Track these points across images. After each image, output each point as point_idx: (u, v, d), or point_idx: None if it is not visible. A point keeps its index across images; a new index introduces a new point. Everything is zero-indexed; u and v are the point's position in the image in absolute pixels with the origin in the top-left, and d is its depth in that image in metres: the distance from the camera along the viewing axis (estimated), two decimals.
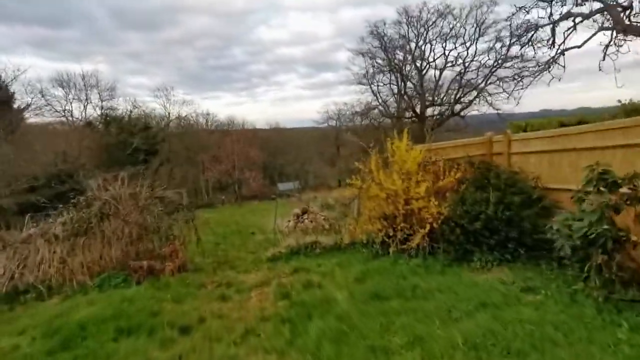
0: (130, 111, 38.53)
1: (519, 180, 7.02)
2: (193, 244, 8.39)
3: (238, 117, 54.50)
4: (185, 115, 42.74)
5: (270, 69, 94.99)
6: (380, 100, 38.24)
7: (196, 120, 46.33)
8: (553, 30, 20.26)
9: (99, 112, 37.75)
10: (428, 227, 6.94)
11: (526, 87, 25.84)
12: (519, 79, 27.95)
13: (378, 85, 37.10)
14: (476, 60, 31.36)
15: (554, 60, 22.42)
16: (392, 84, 36.22)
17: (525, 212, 6.59)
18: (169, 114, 41.77)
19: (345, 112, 48.05)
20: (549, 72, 22.51)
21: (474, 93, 32.01)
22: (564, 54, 20.39)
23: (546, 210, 6.61)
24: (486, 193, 6.98)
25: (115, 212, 7.11)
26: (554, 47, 20.76)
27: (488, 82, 31.02)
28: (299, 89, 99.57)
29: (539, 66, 27.64)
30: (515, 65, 29.79)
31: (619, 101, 17.92)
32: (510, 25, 29.06)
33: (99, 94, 36.88)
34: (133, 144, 33.89)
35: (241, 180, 35.19)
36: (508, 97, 29.93)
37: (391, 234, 7.44)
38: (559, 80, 22.77)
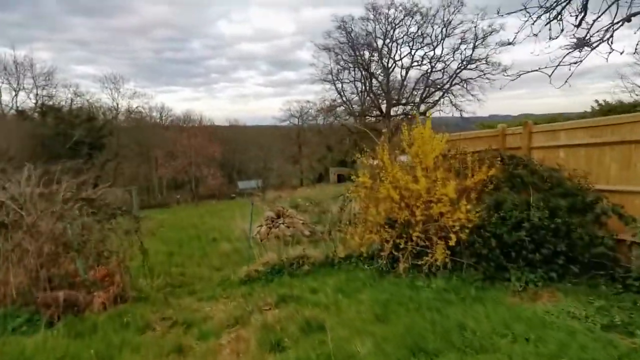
0: (72, 100, 34.16)
1: (562, 179, 5.55)
2: (138, 259, 6.18)
3: (195, 112, 51.01)
4: (137, 107, 38.80)
5: (230, 64, 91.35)
6: (344, 98, 36.94)
7: (149, 113, 42.47)
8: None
9: (33, 100, 33.03)
10: (454, 237, 5.29)
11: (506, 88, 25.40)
12: (489, 81, 27.72)
13: (342, 83, 35.77)
14: (442, 61, 30.85)
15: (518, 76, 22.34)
16: (358, 81, 34.99)
17: (576, 219, 5.13)
18: (117, 104, 37.70)
19: (308, 109, 46.41)
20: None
21: (439, 94, 31.50)
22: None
23: (598, 216, 5.20)
24: (524, 195, 5.46)
25: (17, 221, 4.80)
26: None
27: (453, 83, 30.58)
28: (259, 86, 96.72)
29: (504, 70, 27.59)
30: (479, 68, 29.60)
31: (597, 101, 17.75)
32: (475, 27, 28.90)
33: (33, 79, 32.21)
34: (74, 136, 29.91)
35: (199, 178, 32.24)
36: (473, 99, 29.63)
37: (401, 246, 5.74)
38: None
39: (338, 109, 36.29)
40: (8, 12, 57.68)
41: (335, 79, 35.73)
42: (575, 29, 6.70)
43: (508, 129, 7.57)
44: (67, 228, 5.14)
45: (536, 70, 6.84)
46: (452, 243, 5.25)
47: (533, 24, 6.75)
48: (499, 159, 5.96)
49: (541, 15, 6.72)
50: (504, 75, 27.14)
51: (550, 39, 6.90)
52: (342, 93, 36.60)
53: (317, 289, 5.22)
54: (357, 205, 6.74)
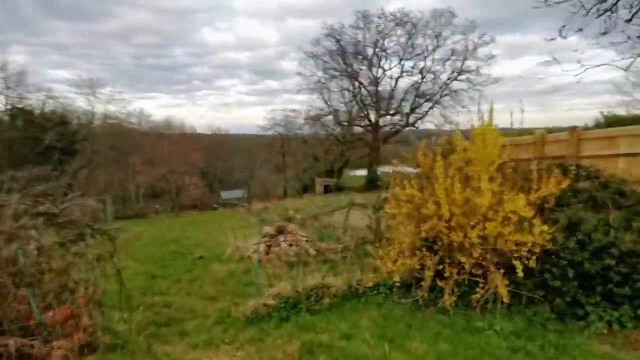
0: (44, 102, 31.84)
1: None
2: (111, 282, 4.79)
3: (176, 119, 49.09)
4: (114, 111, 36.55)
5: (213, 72, 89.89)
6: (331, 108, 36.10)
7: (127, 119, 40.22)
8: None
9: (3, 102, 30.53)
10: (519, 265, 4.21)
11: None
12: (479, 92, 27.41)
13: (330, 92, 34.93)
14: (432, 72, 30.45)
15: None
16: (347, 90, 34.22)
17: None
18: (92, 108, 35.40)
19: (293, 118, 45.40)
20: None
21: (429, 104, 31.04)
22: None
23: None
24: (601, 213, 4.46)
25: None
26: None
27: (443, 94, 30.19)
28: (242, 94, 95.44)
29: (494, 82, 27.39)
30: (469, 79, 29.35)
31: (601, 112, 17.39)
32: (465, 39, 28.69)
33: (4, 80, 29.77)
34: (45, 140, 27.70)
35: (179, 187, 30.40)
36: (463, 110, 29.26)
37: (447, 274, 4.63)
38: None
39: (325, 118, 35.37)
40: None
41: (322, 87, 34.91)
42: (627, 24, 5.89)
43: (549, 136, 6.67)
44: (18, 254, 3.77)
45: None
46: (519, 273, 4.17)
47: (586, 15, 5.90)
48: (560, 168, 4.97)
49: (593, 6, 5.88)
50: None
51: (601, 34, 6.06)
52: (329, 102, 35.79)
53: (351, 334, 4.02)
54: (386, 222, 5.59)
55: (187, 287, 6.67)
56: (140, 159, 32.48)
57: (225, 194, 34.38)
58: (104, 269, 4.22)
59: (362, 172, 44.78)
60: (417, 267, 4.89)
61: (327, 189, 35.00)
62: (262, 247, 7.87)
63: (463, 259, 4.53)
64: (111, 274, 4.54)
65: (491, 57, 28.00)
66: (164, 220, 24.33)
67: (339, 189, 33.59)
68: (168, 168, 29.75)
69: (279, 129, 47.17)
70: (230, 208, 26.73)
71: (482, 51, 28.22)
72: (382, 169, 36.03)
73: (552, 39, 6.25)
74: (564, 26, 5.86)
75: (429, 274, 4.71)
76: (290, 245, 7.72)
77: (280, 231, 8.17)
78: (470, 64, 28.68)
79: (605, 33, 5.85)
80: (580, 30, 6.01)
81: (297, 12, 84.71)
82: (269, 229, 8.29)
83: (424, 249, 4.86)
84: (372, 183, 30.69)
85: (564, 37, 6.06)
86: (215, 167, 45.50)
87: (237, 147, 53.31)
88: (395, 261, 4.98)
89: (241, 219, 20.19)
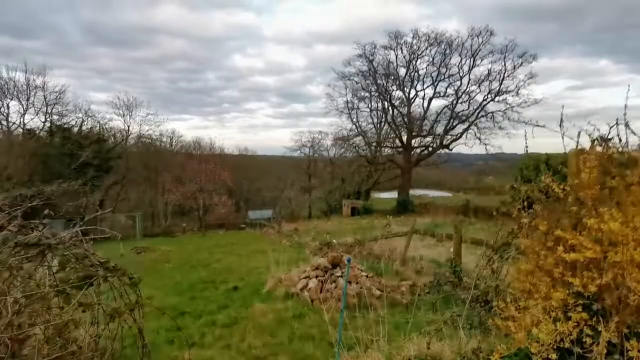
0: (83, 120, 31.90)
1: None
2: (130, 340, 3.30)
3: (205, 140, 48.96)
4: (148, 130, 36.45)
5: (242, 95, 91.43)
6: (359, 130, 34.81)
7: (159, 138, 40.14)
8: None
9: (42, 118, 30.74)
10: None
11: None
12: (518, 114, 25.60)
13: (357, 113, 33.75)
14: (467, 92, 28.81)
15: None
16: (377, 110, 32.91)
17: None
18: (128, 127, 35.37)
19: (320, 140, 44.46)
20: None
21: (463, 126, 29.25)
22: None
23: None
24: None
25: None
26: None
27: (479, 115, 28.40)
28: (269, 117, 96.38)
29: (535, 103, 25.50)
30: (506, 101, 27.54)
31: None
32: (504, 59, 27.05)
33: (44, 97, 30.01)
34: (81, 157, 27.38)
35: (207, 206, 29.35)
36: (500, 132, 27.32)
37: (632, 353, 2.90)
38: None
39: (354, 139, 34.06)
40: (33, 39, 57.19)
41: (351, 108, 33.76)
42: None
43: None
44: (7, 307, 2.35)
45: None
46: None
47: None
48: None
49: None
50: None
51: None
52: (357, 123, 34.55)
53: None
54: (512, 268, 3.92)
55: (224, 336, 5.11)
56: (170, 177, 31.85)
57: (253, 214, 33.08)
58: (121, 331, 2.73)
59: (390, 195, 42.92)
60: (572, 334, 3.19)
61: (354, 211, 33.27)
62: (312, 283, 6.30)
63: None
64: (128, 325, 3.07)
65: (532, 76, 26.17)
66: (190, 239, 23.10)
67: (367, 211, 31.83)
68: (197, 186, 28.85)
69: (306, 150, 46.33)
70: (259, 229, 25.32)
71: (522, 71, 26.48)
72: (414, 192, 34.18)
73: None
74: None
75: (600, 348, 3.00)
76: (349, 282, 6.11)
77: (336, 263, 6.59)
78: (509, 83, 26.94)
79: None
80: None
81: (324, 38, 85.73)
82: (322, 261, 6.71)
83: (578, 309, 3.17)
84: (404, 206, 28.77)
85: None
86: (242, 187, 44.66)
87: (264, 167, 52.64)
88: (536, 324, 3.29)
89: (271, 241, 18.69)
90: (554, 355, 3.16)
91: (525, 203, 4.32)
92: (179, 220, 34.23)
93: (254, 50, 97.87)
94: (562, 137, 3.38)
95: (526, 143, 4.54)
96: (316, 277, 6.41)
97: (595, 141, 3.16)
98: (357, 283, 6.10)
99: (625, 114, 3.30)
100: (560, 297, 3.24)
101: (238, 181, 42.74)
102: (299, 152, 46.77)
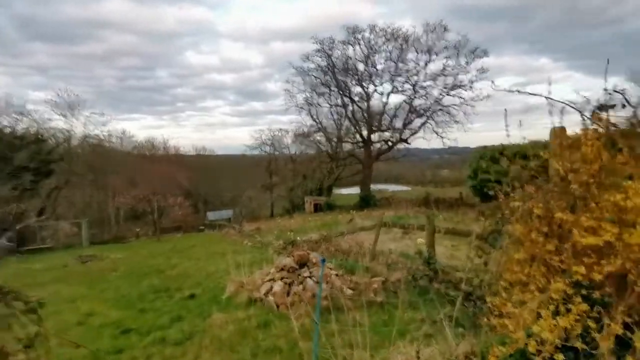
0: (16, 120, 28.79)
1: None
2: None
3: (159, 140, 46.39)
4: (94, 130, 33.62)
5: (197, 93, 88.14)
6: (320, 125, 34.40)
7: (108, 139, 37.26)
8: None
9: None
10: None
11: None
12: (470, 106, 26.37)
13: (317, 109, 33.33)
14: (423, 87, 29.27)
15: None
16: (337, 106, 32.64)
17: None
18: (71, 127, 32.41)
19: (281, 137, 43.62)
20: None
21: (421, 120, 29.72)
22: None
23: None
24: None
25: None
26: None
27: (436, 109, 28.97)
28: (226, 115, 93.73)
29: (486, 97, 26.39)
30: (460, 95, 28.28)
31: None
32: (457, 54, 27.72)
33: None
34: (13, 159, 24.63)
35: (163, 208, 27.57)
36: (456, 126, 28.05)
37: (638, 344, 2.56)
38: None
39: (315, 134, 33.62)
40: None
41: (310, 104, 33.26)
42: None
43: None
44: None
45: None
46: None
47: None
48: None
49: None
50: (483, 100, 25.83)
51: None
52: (317, 119, 34.12)
53: None
54: (504, 255, 3.50)
55: (175, 356, 4.32)
56: (121, 179, 29.61)
57: (212, 215, 31.62)
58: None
59: (352, 190, 42.94)
60: (576, 329, 2.81)
61: (317, 208, 32.85)
62: (278, 286, 5.64)
63: None
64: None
65: (483, 71, 27.06)
66: (145, 244, 21.47)
67: (330, 207, 31.52)
68: (151, 188, 26.99)
69: (266, 148, 45.27)
70: (219, 230, 24.10)
71: (475, 66, 27.29)
72: (375, 187, 34.33)
73: None
74: None
75: (606, 343, 2.64)
76: (318, 282, 5.52)
77: (303, 263, 5.98)
78: (462, 78, 27.70)
79: None
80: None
81: (281, 35, 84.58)
82: (287, 261, 6.05)
83: (577, 299, 2.80)
84: (366, 201, 28.72)
85: None
86: (200, 188, 42.74)
87: (223, 167, 50.85)
88: (536, 320, 2.88)
89: (233, 242, 17.70)
90: (560, 356, 2.75)
91: (510, 186, 3.93)
92: (133, 225, 31.93)
93: (208, 47, 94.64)
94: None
95: (507, 130, 4.15)
96: (282, 279, 5.77)
97: (595, 112, 2.77)
98: (327, 283, 5.54)
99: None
100: (560, 287, 2.85)
101: (196, 181, 40.83)
102: (259, 150, 45.63)
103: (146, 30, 79.36)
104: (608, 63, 2.77)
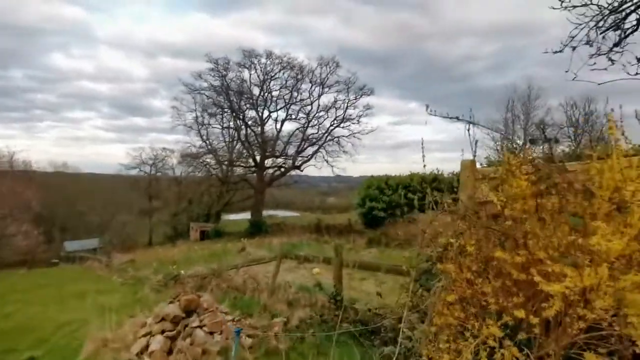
0: None
1: None
2: None
3: (4, 152, 37.74)
4: None
5: (62, 101, 75.76)
6: (210, 147, 32.61)
7: None
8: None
9: None
10: None
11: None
12: (358, 139, 28.25)
13: (208, 130, 31.65)
14: (316, 117, 30.40)
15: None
16: (230, 128, 31.44)
17: None
18: None
19: (164, 157, 39.92)
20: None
21: (313, 149, 30.64)
22: None
23: None
24: None
25: None
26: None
27: (327, 139, 30.26)
28: (99, 129, 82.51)
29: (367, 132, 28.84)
30: (350, 128, 30.22)
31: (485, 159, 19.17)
32: (347, 89, 29.74)
33: None
34: None
35: (3, 238, 21.76)
36: (345, 156, 29.70)
37: None
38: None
39: (205, 156, 31.60)
40: None
41: (201, 124, 31.35)
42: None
43: None
44: None
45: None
46: None
47: None
48: None
49: None
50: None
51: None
52: (208, 141, 32.24)
53: None
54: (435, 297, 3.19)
55: None
56: None
57: (71, 245, 26.41)
58: None
59: (241, 216, 41.25)
60: None
61: (203, 235, 30.44)
62: (157, 342, 4.44)
63: None
64: None
65: (369, 107, 29.57)
66: None
67: (218, 234, 29.52)
68: None
69: (147, 168, 40.80)
70: (80, 263, 20.01)
71: (362, 102, 29.66)
72: (266, 212, 33.58)
73: None
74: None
75: None
76: (211, 333, 4.53)
77: (191, 310, 4.86)
78: (351, 112, 29.77)
79: None
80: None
81: (171, 50, 79.75)
82: (170, 308, 4.78)
83: (506, 342, 2.64)
84: (257, 227, 27.72)
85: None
86: (56, 211, 35.62)
87: (90, 187, 43.90)
88: None
89: (98, 278, 14.70)
90: None
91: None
92: None
93: (82, 51, 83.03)
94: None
95: (424, 161, 4.05)
96: (162, 332, 4.55)
97: (528, 143, 2.75)
98: (221, 333, 4.58)
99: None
100: (496, 332, 2.62)
101: (51, 204, 33.94)
102: (139, 170, 40.77)
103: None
104: (471, 116, 2.79)
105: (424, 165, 4.06)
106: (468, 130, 3.25)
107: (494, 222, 2.87)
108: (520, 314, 2.55)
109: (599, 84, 4.15)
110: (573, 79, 4.98)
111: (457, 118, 2.76)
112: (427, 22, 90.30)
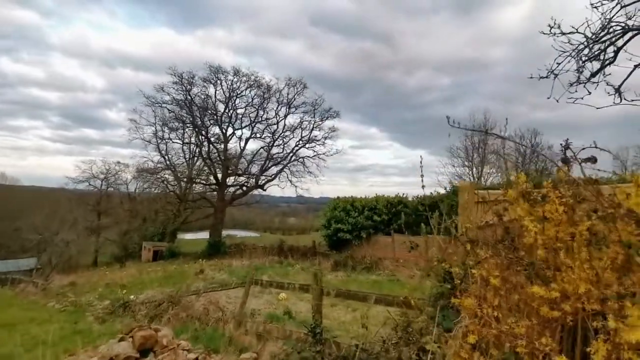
0: None
1: None
2: None
3: None
4: None
5: (5, 108, 69.80)
6: (168, 163, 31.05)
7: None
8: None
9: None
10: None
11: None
12: (322, 160, 28.12)
13: (167, 144, 30.22)
14: (281, 137, 29.99)
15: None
16: (191, 144, 30.17)
17: None
18: None
19: (117, 172, 37.46)
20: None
21: (277, 168, 30.06)
22: None
23: None
24: None
25: None
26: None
27: (291, 159, 29.85)
28: (45, 140, 76.66)
29: (337, 153, 28.86)
30: (315, 149, 30.10)
31: (450, 182, 19.36)
32: (314, 111, 29.77)
33: None
34: None
35: None
36: (310, 177, 29.37)
37: None
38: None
39: (163, 172, 29.93)
40: None
41: (160, 138, 29.82)
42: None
43: None
44: None
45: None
46: None
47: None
48: None
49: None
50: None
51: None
52: (167, 156, 30.67)
53: None
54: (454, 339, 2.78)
55: None
56: None
57: (4, 265, 23.44)
58: None
59: (198, 236, 39.20)
60: None
61: (157, 255, 28.40)
62: None
63: None
64: None
65: (334, 130, 29.71)
66: None
67: (173, 254, 27.66)
68: None
69: (97, 183, 37.98)
70: (11, 286, 17.64)
71: (327, 124, 29.76)
72: (225, 232, 32.11)
73: None
74: None
75: None
76: None
77: (147, 349, 4.07)
78: (317, 133, 29.72)
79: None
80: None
81: (131, 62, 76.93)
82: (122, 347, 3.94)
83: None
84: (216, 248, 26.31)
85: None
86: None
87: (29, 201, 40.04)
88: None
89: (32, 304, 12.88)
90: None
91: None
92: None
93: (31, 56, 77.69)
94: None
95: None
96: None
97: (560, 162, 2.48)
98: None
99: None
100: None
101: None
102: (88, 184, 37.81)
103: None
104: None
105: (423, 187, 3.76)
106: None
107: (515, 251, 2.56)
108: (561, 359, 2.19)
109: (598, 108, 4.09)
110: (559, 101, 4.97)
111: (486, 132, 2.41)
112: (389, 52, 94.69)
